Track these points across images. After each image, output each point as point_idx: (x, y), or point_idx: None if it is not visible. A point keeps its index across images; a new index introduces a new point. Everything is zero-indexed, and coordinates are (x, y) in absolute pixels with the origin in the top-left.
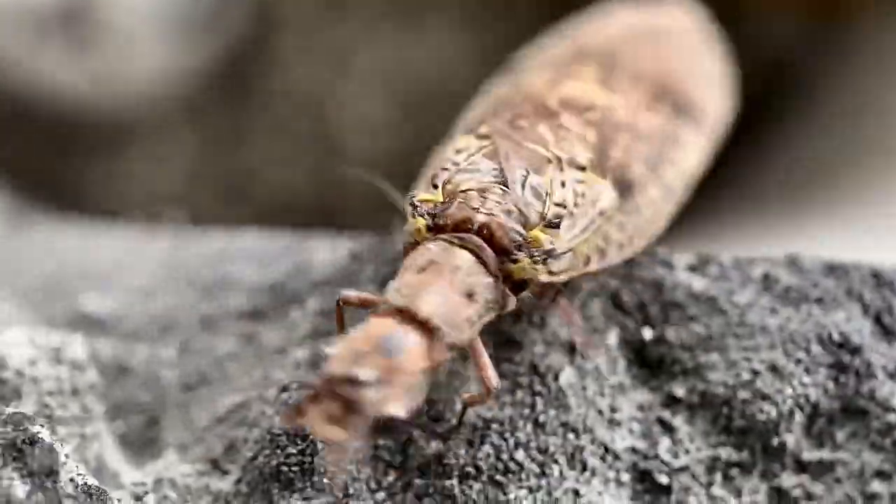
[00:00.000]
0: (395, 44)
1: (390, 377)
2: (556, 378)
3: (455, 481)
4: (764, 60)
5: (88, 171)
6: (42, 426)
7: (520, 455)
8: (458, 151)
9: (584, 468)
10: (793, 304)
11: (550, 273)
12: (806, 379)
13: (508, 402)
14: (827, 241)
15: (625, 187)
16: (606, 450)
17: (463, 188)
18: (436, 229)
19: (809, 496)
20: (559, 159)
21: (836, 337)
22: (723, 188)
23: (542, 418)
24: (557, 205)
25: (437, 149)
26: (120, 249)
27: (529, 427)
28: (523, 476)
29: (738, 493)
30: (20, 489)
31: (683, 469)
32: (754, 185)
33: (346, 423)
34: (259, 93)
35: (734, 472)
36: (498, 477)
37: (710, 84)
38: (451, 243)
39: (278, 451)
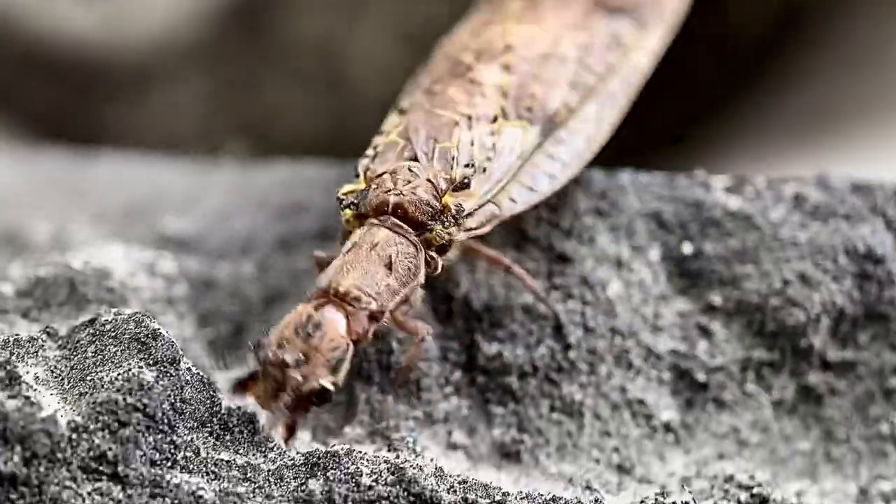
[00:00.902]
0: None
1: (311, 356)
2: (605, 289)
3: (514, 378)
4: None
5: (106, 115)
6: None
7: (572, 355)
8: (381, 133)
9: (630, 367)
10: (821, 220)
11: (468, 230)
12: (833, 287)
13: (562, 310)
14: (854, 161)
15: (548, 120)
16: (650, 352)
17: (378, 173)
18: (361, 217)
19: (833, 391)
20: (468, 118)
21: (861, 249)
22: (758, 111)
23: (591, 324)
24: (466, 165)
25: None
26: (188, 180)
27: (580, 332)
28: (574, 374)
29: (768, 390)
30: (149, 375)
31: (719, 368)
32: (788, 108)
33: (280, 400)
34: (273, 37)
35: (766, 371)
36: (552, 375)
37: None
38: (372, 225)
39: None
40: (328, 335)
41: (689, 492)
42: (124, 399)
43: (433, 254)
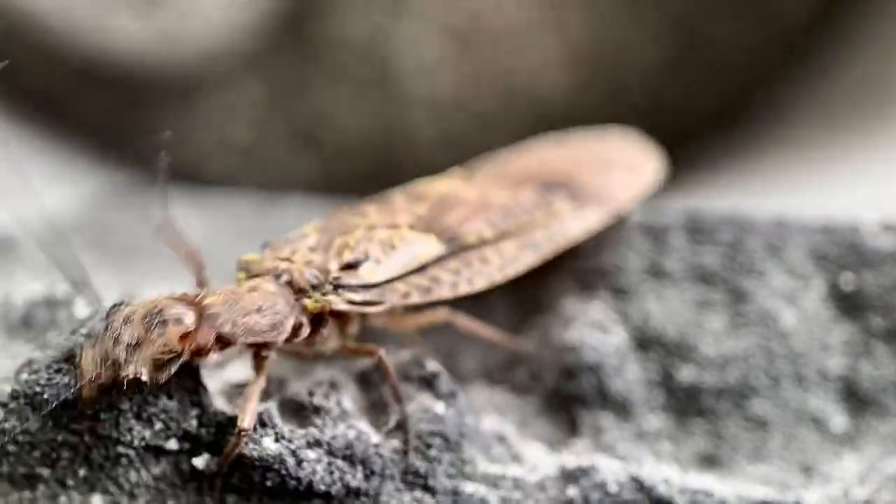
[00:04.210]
0: None
1: (143, 345)
2: (779, 318)
3: (709, 397)
4: None
5: (160, 124)
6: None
7: (757, 377)
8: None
9: (805, 384)
10: None
11: (351, 303)
12: None
13: (745, 335)
14: None
15: (456, 239)
16: (821, 371)
17: (279, 250)
18: (251, 277)
19: None
20: (372, 225)
21: None
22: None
23: (773, 349)
24: (358, 255)
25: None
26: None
27: (763, 356)
28: (760, 392)
29: None
30: (440, 406)
31: (881, 382)
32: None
33: (100, 368)
34: (321, 42)
35: None
36: (743, 392)
37: (612, 177)
38: (263, 279)
39: None
40: (167, 335)
41: (866, 486)
42: (427, 427)
43: (305, 320)
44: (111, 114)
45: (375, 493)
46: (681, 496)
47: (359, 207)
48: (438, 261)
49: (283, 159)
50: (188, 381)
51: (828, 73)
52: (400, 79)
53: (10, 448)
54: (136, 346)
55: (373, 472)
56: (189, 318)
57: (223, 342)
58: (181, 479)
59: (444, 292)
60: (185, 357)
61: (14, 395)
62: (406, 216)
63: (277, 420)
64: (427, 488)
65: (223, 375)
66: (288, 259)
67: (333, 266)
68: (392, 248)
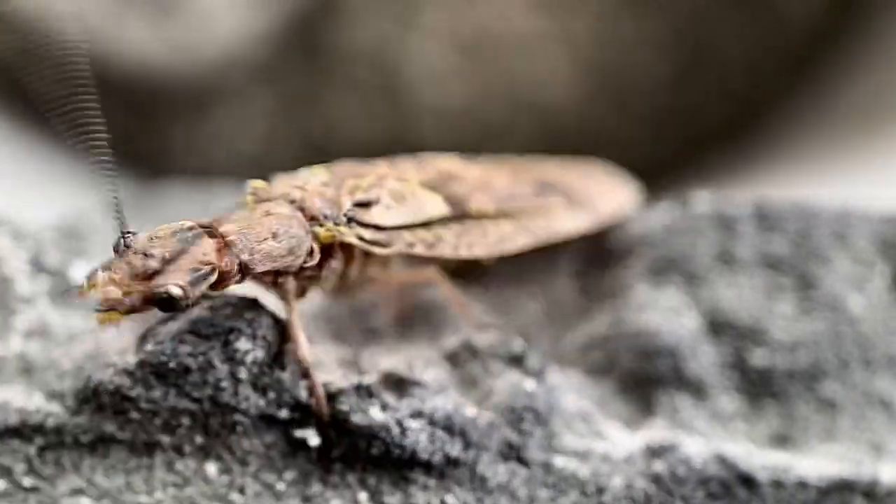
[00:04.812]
0: None
1: (175, 259)
2: (846, 303)
3: (781, 379)
4: None
5: (172, 134)
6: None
7: (828, 359)
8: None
9: (872, 367)
10: None
11: (361, 239)
12: None
13: (814, 319)
14: None
15: (460, 207)
16: (888, 354)
17: (288, 178)
18: (260, 202)
19: None
20: (383, 175)
21: None
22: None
23: (840, 332)
24: (371, 197)
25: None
26: None
27: (831, 341)
28: (830, 374)
29: None
30: (530, 384)
31: None
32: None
33: (125, 286)
34: (330, 52)
35: None
36: (813, 375)
37: (600, 190)
38: (276, 203)
39: None
40: (202, 248)
41: None
42: (519, 402)
43: (316, 248)
44: (120, 123)
45: (472, 463)
46: (762, 471)
47: (366, 162)
48: (443, 221)
49: (293, 169)
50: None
51: (835, 85)
52: (409, 89)
53: (133, 415)
54: (170, 260)
55: (470, 443)
56: (211, 241)
57: (241, 271)
58: (290, 448)
59: (446, 251)
60: (214, 276)
61: (140, 365)
62: (416, 175)
63: (382, 391)
64: (521, 460)
65: (329, 349)
66: (301, 187)
67: (346, 201)
68: (403, 198)
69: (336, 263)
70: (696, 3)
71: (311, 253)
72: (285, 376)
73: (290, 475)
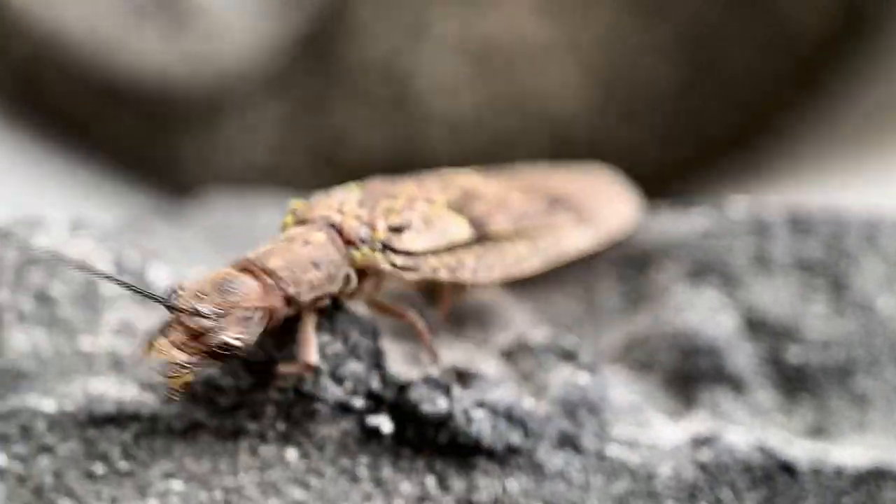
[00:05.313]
0: (468, 7)
1: (227, 311)
2: (876, 302)
3: (815, 373)
4: None
5: (184, 144)
6: None
7: (859, 355)
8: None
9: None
10: None
11: (393, 265)
12: None
13: (846, 318)
14: None
15: (481, 229)
16: None
17: (324, 198)
18: (299, 223)
19: None
20: (413, 196)
21: None
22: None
23: (872, 329)
24: (404, 221)
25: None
26: None
27: (861, 337)
28: (861, 369)
29: None
30: (583, 378)
31: None
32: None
33: (187, 348)
34: (341, 63)
35: None
36: (846, 369)
37: (606, 204)
38: (312, 227)
39: None
40: (247, 295)
41: None
42: (573, 395)
43: (352, 273)
44: (133, 134)
45: (531, 451)
46: (803, 460)
47: (395, 180)
48: (465, 244)
49: (304, 179)
50: (372, 345)
51: (843, 93)
52: (419, 99)
53: (222, 404)
54: (222, 314)
55: (529, 432)
56: (255, 282)
57: (288, 303)
58: (364, 435)
59: (466, 275)
60: (264, 319)
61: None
62: (442, 196)
63: (448, 382)
64: (576, 449)
65: (391, 345)
66: (339, 210)
67: (381, 225)
68: (431, 222)
69: (369, 285)
70: (703, 12)
71: (347, 280)
72: (360, 367)
73: (363, 460)
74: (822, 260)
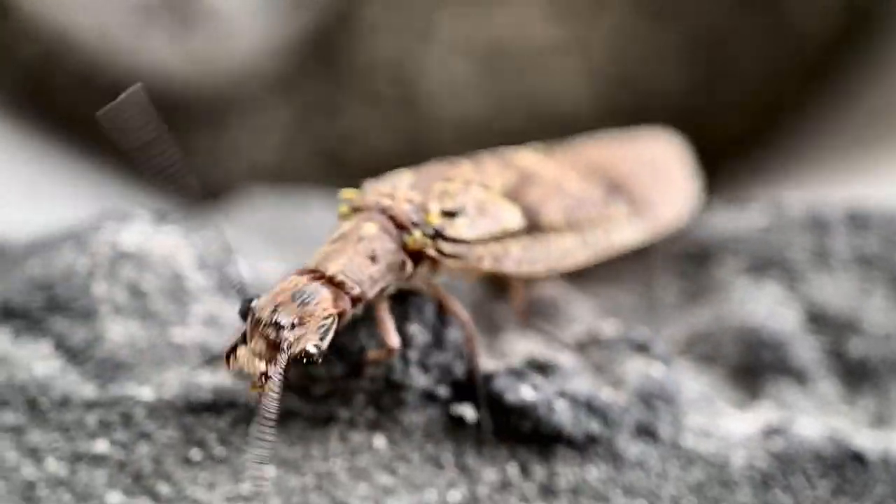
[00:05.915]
0: (476, 9)
1: (304, 320)
2: None
3: (876, 364)
4: None
5: (192, 145)
6: None
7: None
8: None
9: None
10: None
11: (439, 252)
12: None
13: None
14: None
15: (533, 219)
16: None
17: (376, 185)
18: (354, 210)
19: None
20: (469, 180)
21: None
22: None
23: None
24: (458, 206)
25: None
26: None
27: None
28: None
29: None
30: (659, 370)
31: None
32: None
33: (269, 358)
34: (348, 63)
35: None
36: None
37: (665, 191)
38: (362, 218)
39: None
40: (322, 304)
41: None
42: (649, 386)
43: (406, 257)
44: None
45: (609, 440)
46: (872, 450)
47: (452, 162)
48: (514, 233)
49: (312, 180)
50: (458, 337)
51: (851, 95)
52: (426, 100)
53: (315, 392)
54: (299, 324)
55: (608, 422)
56: (326, 289)
57: (355, 302)
58: (449, 423)
59: (510, 266)
60: (336, 323)
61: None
62: (498, 180)
63: (530, 372)
64: (653, 438)
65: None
66: (390, 195)
67: (434, 207)
68: (484, 210)
69: (423, 269)
70: (711, 13)
71: (403, 265)
72: (446, 358)
73: (448, 447)
74: (879, 255)
